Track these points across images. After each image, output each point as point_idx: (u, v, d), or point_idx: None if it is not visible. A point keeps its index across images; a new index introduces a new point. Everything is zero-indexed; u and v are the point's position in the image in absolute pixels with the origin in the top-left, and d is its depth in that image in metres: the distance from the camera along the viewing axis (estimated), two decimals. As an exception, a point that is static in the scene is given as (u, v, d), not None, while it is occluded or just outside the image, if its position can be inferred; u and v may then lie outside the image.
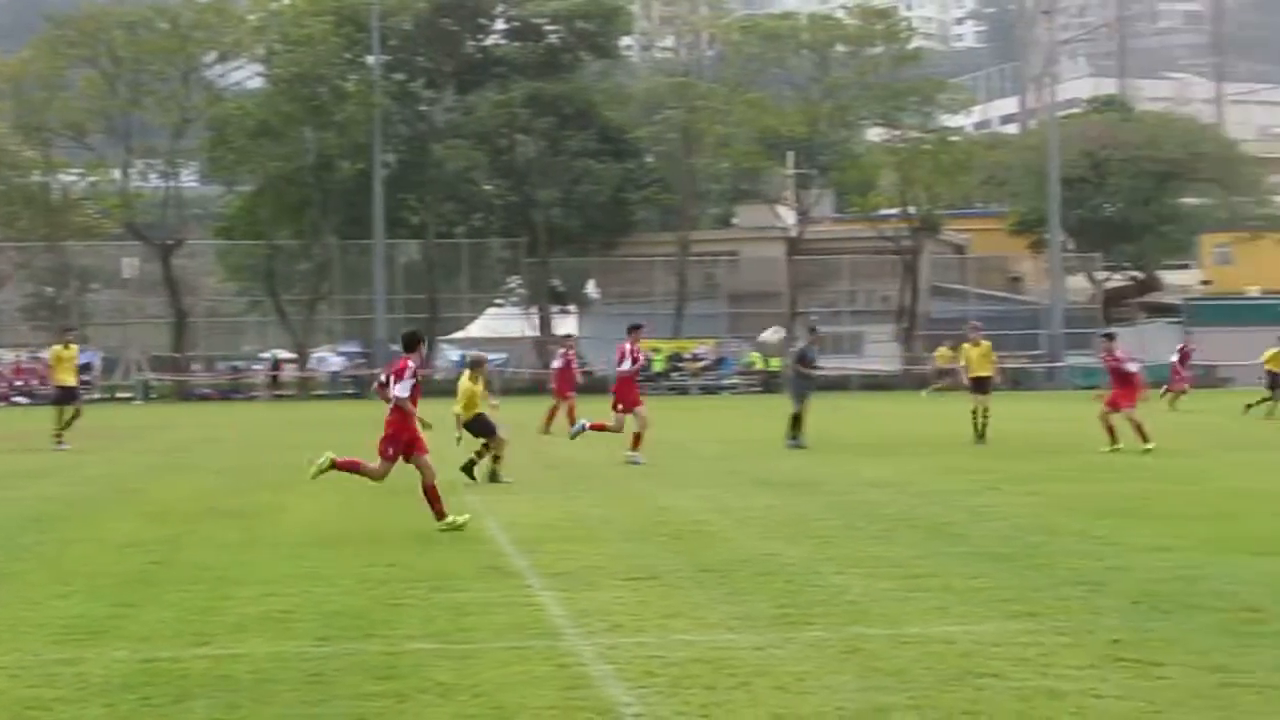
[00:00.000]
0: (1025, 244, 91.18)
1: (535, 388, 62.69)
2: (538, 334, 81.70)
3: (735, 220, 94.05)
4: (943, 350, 69.09)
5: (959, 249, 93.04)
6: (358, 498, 21.88)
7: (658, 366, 76.05)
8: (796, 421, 33.56)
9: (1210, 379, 75.47)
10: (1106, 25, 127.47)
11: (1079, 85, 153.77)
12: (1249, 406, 45.83)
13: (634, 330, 30.83)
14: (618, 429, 29.46)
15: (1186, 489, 22.95)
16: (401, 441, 18.78)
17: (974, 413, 34.75)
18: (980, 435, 34.12)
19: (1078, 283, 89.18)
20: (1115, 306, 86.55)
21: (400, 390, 18.72)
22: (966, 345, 36.66)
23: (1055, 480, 24.52)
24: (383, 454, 18.88)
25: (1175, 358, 51.95)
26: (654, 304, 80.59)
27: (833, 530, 18.22)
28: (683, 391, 73.05)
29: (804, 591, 13.74)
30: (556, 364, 40.35)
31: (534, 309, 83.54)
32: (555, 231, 79.85)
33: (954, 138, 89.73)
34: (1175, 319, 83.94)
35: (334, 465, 19.12)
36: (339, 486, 21.27)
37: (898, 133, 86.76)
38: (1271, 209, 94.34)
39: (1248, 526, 18.18)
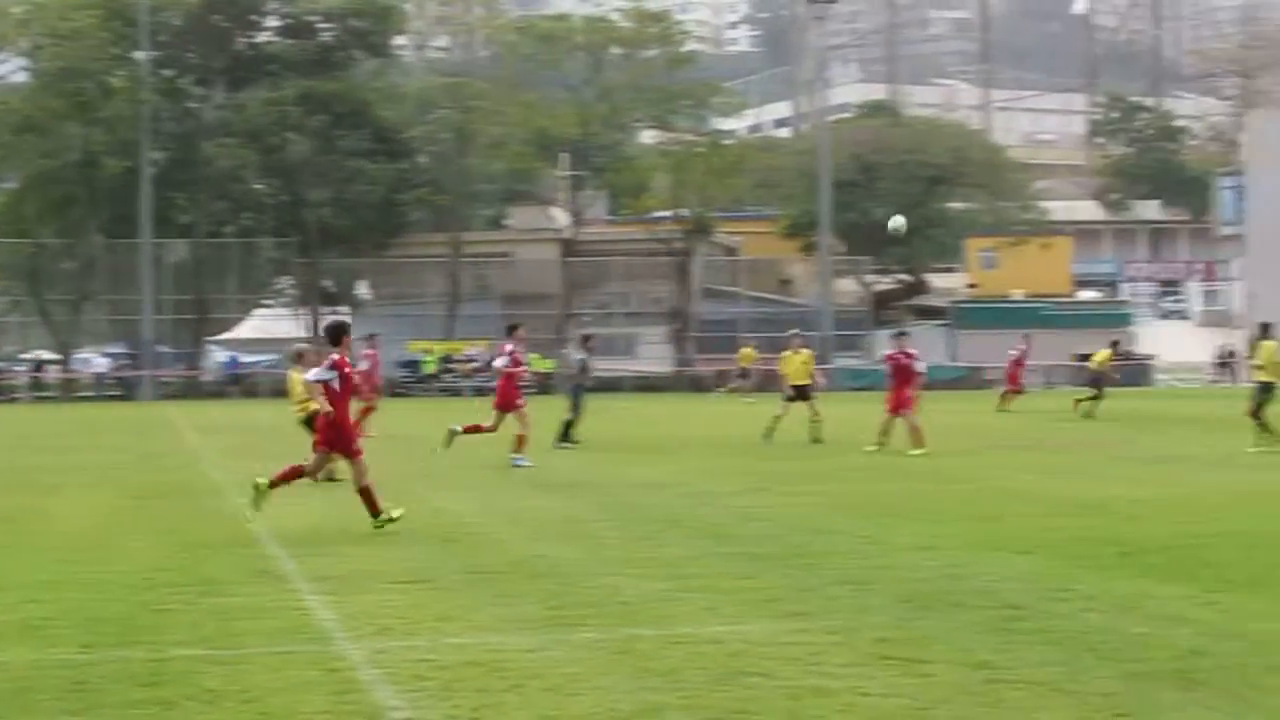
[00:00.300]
0: (796, 247, 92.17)
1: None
2: (308, 335, 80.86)
3: (509, 222, 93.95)
4: (746, 350, 69.79)
5: (731, 251, 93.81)
6: (123, 502, 21.49)
7: (429, 368, 75.74)
8: (569, 426, 33.71)
9: (975, 380, 76.99)
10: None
11: (850, 90, 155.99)
12: (1078, 402, 46.87)
13: (514, 330, 30.66)
14: (492, 429, 29.28)
15: (953, 489, 23.36)
16: (337, 428, 18.43)
17: (776, 418, 34.99)
18: (815, 438, 34.38)
19: (847, 285, 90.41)
20: (884, 309, 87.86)
21: (313, 374, 18.38)
22: (787, 353, 36.91)
23: (824, 481, 24.83)
24: (350, 453, 18.52)
25: (1014, 356, 52.44)
26: (427, 305, 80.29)
27: (604, 531, 18.29)
28: (455, 393, 72.71)
29: (576, 593, 13.77)
30: (363, 365, 40.02)
31: (304, 310, 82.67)
32: (327, 231, 79.04)
33: (727, 141, 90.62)
34: (942, 322, 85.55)
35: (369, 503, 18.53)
36: (103, 489, 20.89)
37: (671, 135, 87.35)
38: (1035, 214, 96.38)
39: (1011, 526, 18.56)
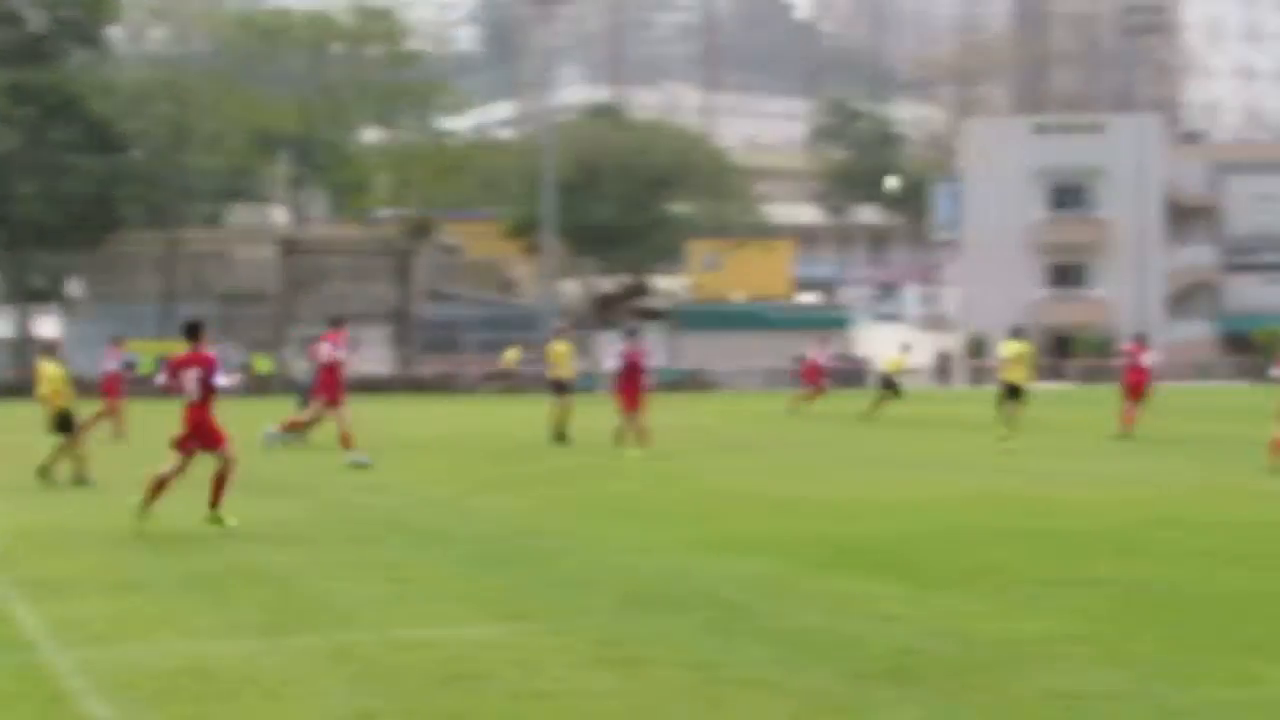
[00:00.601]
0: (520, 248, 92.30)
1: (15, 390, 60.42)
2: (16, 334, 78.93)
3: (227, 219, 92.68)
4: (511, 351, 69.60)
5: (453, 252, 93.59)
6: None
7: (146, 369, 74.27)
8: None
9: (696, 382, 77.77)
10: None
11: (574, 92, 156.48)
12: (875, 403, 47.39)
13: (339, 323, 30.52)
14: (314, 421, 28.99)
15: (676, 489, 23.53)
16: (203, 435, 18.34)
17: (561, 413, 34.97)
18: (560, 436, 34.36)
19: (571, 287, 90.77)
20: (607, 311, 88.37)
21: (225, 380, 18.63)
22: (556, 343, 36.79)
23: (545, 483, 24.86)
24: (181, 448, 18.40)
25: (813, 358, 52.38)
26: (141, 303, 78.78)
27: (322, 535, 18.11)
28: (168, 392, 71.45)
29: (293, 597, 13.62)
30: (112, 366, 39.16)
31: (12, 307, 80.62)
32: (36, 227, 77.12)
33: (450, 140, 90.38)
34: (664, 324, 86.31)
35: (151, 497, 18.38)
36: None
37: (394, 134, 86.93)
38: (757, 217, 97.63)
39: (730, 525, 18.77)
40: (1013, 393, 33.51)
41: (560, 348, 36.23)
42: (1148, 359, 36.68)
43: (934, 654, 11.07)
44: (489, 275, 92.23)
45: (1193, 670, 10.54)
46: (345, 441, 28.85)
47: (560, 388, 35.44)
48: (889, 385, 48.05)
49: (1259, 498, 21.89)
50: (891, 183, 38.98)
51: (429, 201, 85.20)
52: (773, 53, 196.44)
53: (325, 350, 29.88)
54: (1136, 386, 36.07)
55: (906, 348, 50.62)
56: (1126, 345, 37.62)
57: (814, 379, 51.13)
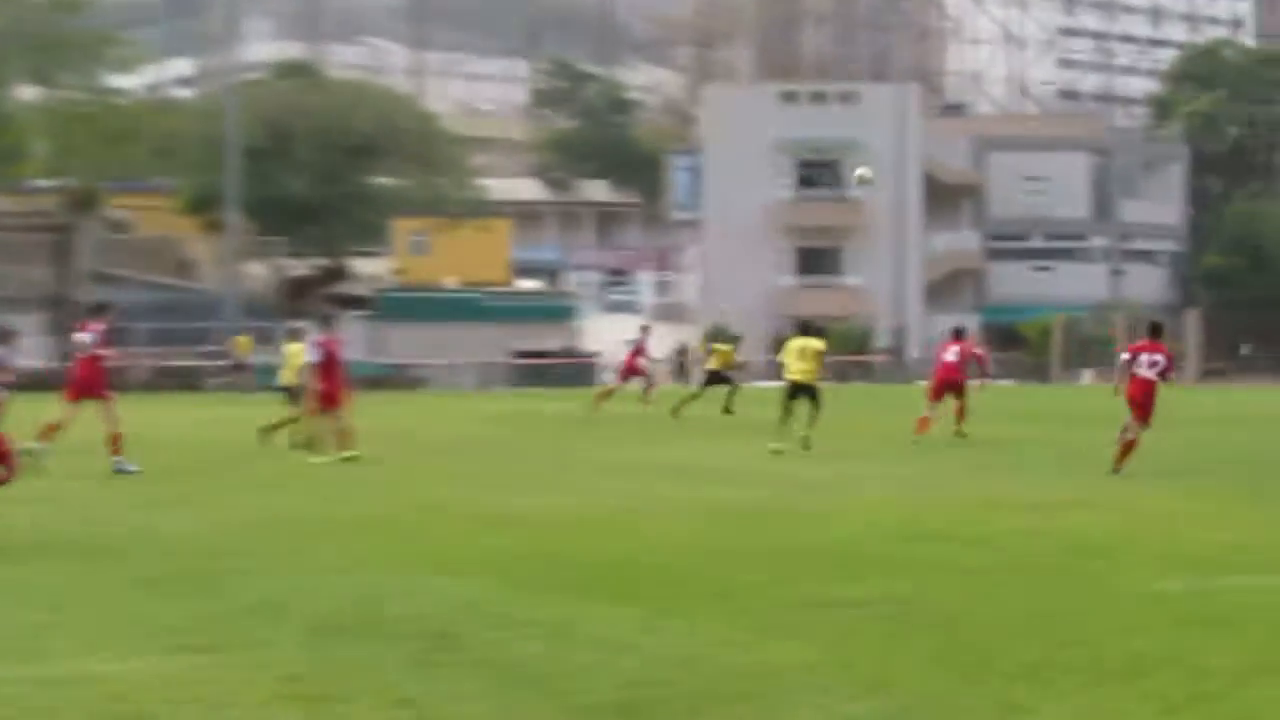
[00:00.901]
0: (199, 224, 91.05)
1: None
2: None
3: None
4: (242, 339, 68.72)
5: (123, 229, 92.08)
6: None
7: None
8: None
9: (401, 378, 77.43)
10: None
11: (264, 48, 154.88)
12: (726, 410, 47.13)
13: (103, 311, 30.53)
14: (60, 424, 29.35)
15: (377, 501, 23.35)
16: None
17: (294, 420, 34.53)
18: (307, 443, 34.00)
19: (257, 270, 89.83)
20: (299, 298, 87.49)
21: None
22: (289, 344, 36.39)
23: (223, 493, 24.56)
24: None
25: (632, 348, 52.03)
26: None
27: (-33, 554, 17.70)
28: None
29: (-70, 628, 13.27)
30: None
31: None
32: None
33: (121, 100, 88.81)
34: (365, 312, 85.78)
35: None
36: None
37: (54, 92, 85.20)
38: (471, 192, 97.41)
39: (440, 542, 18.68)
40: (796, 392, 33.83)
41: (295, 349, 35.97)
42: (950, 354, 37.32)
43: (670, 686, 11.11)
44: (163, 255, 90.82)
45: (956, 700, 10.70)
46: (114, 442, 29.18)
47: (294, 393, 35.17)
48: (725, 380, 48.26)
49: (1034, 509, 22.18)
50: (864, 172, 39.08)
51: (94, 171, 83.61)
52: (489, 7, 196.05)
53: (84, 340, 29.72)
54: (940, 386, 36.78)
55: (737, 339, 51.11)
56: (944, 342, 38.36)
57: (637, 372, 51.56)
